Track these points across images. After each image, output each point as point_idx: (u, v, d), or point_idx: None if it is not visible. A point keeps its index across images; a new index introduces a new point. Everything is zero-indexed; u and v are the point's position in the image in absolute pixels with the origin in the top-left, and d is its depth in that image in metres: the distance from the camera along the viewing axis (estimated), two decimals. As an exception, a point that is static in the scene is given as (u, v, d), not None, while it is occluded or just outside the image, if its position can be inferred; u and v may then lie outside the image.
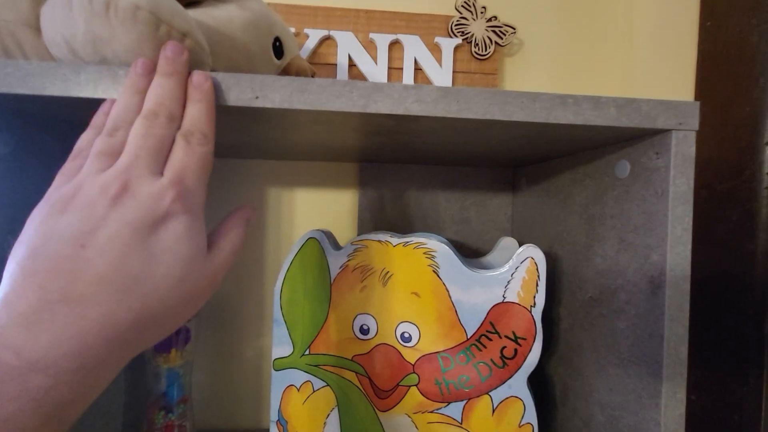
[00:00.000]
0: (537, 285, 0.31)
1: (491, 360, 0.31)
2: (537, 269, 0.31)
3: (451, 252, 0.33)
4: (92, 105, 0.22)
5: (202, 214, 0.21)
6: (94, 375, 0.17)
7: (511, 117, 0.24)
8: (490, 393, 0.31)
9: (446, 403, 0.33)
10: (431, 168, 0.50)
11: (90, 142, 0.20)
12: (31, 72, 0.22)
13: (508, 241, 0.43)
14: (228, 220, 0.23)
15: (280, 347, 0.38)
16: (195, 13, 0.25)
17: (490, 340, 0.32)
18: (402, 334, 0.34)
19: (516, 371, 0.31)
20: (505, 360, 0.31)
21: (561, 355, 0.36)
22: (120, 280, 0.17)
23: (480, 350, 0.32)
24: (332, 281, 0.36)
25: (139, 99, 0.20)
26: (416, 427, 0.34)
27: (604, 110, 0.25)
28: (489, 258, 0.42)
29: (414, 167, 0.50)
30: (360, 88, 0.23)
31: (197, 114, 0.20)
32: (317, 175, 0.49)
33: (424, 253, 0.34)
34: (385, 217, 0.50)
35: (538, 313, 0.31)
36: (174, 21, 0.21)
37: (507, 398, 0.31)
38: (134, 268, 0.17)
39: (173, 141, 0.20)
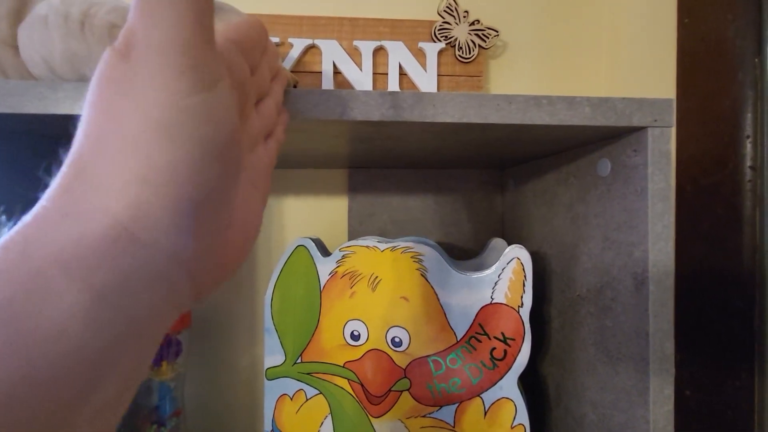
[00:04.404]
0: (524, 285, 0.31)
1: (481, 362, 0.31)
2: (523, 269, 0.31)
3: (438, 255, 0.34)
4: (71, 120, 0.22)
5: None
6: None
7: (487, 119, 0.25)
8: (481, 395, 0.31)
9: (438, 407, 0.33)
10: (420, 171, 0.50)
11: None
12: (10, 91, 0.22)
13: (498, 242, 0.43)
14: None
15: (272, 356, 0.38)
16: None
17: (480, 341, 0.32)
18: (392, 339, 0.34)
19: (506, 372, 0.31)
20: (495, 361, 0.31)
21: (553, 355, 0.36)
22: None
23: (470, 352, 0.32)
24: (322, 288, 0.37)
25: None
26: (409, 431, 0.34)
27: (579, 110, 0.26)
28: (480, 260, 0.43)
29: (403, 171, 0.50)
30: (336, 97, 0.24)
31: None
32: (307, 183, 0.49)
33: (412, 257, 0.34)
34: (375, 222, 0.50)
35: (525, 313, 0.31)
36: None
37: (498, 400, 0.31)
38: None
39: None
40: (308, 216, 0.49)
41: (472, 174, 0.51)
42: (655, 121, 0.26)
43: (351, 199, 0.49)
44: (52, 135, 0.29)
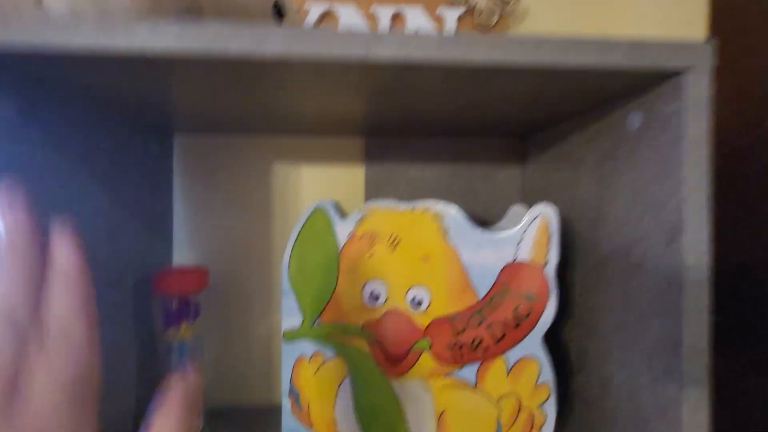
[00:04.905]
0: (549, 242, 0.30)
1: (504, 321, 0.31)
2: (549, 226, 0.30)
3: (459, 215, 0.33)
4: (94, 60, 0.22)
5: None
6: None
7: (516, 61, 0.24)
8: (504, 354, 0.31)
9: (460, 367, 0.32)
10: (438, 140, 0.50)
11: None
12: (33, 27, 0.22)
13: (517, 209, 0.42)
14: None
15: (290, 318, 0.38)
16: (194, -29, 0.25)
17: (503, 301, 0.31)
18: (413, 299, 0.34)
19: (530, 331, 0.30)
20: (519, 320, 0.30)
21: (576, 319, 0.35)
22: None
23: (492, 312, 0.31)
24: (340, 250, 0.36)
25: None
26: (430, 391, 0.33)
27: (612, 53, 0.24)
28: (498, 227, 0.42)
29: (420, 140, 0.49)
30: (360, 36, 0.23)
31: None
32: (323, 151, 0.49)
33: (432, 217, 0.33)
34: (392, 191, 0.49)
35: (551, 271, 0.30)
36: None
37: (522, 358, 0.30)
38: None
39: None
40: (324, 185, 0.49)
41: (491, 143, 0.50)
42: (692, 65, 0.25)
43: (368, 167, 0.49)
44: (67, 78, 0.29)
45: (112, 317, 0.38)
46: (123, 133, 0.40)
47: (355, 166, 0.49)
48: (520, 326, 0.31)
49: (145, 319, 0.42)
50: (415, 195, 0.50)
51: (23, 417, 0.15)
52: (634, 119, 0.30)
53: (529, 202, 0.48)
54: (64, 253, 0.16)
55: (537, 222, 0.30)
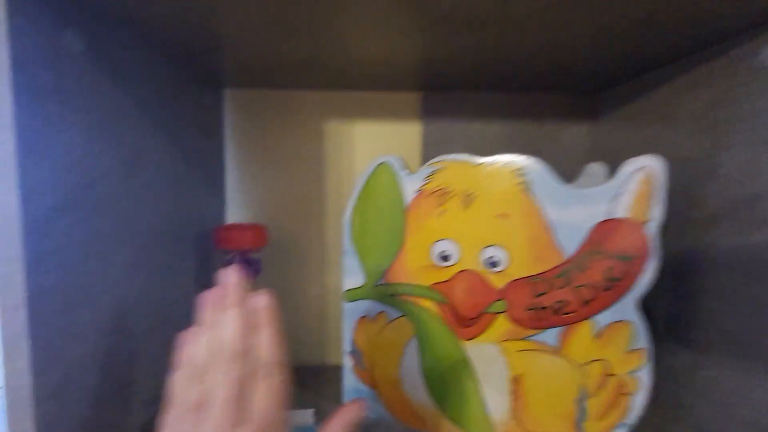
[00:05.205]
0: (653, 197, 0.27)
1: (594, 283, 0.28)
2: (654, 180, 0.27)
3: (544, 168, 0.30)
4: None
5: None
6: None
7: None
8: (593, 317, 0.29)
9: (540, 330, 0.30)
10: (500, 95, 0.46)
11: (181, 386, 0.23)
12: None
13: (595, 167, 0.38)
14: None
15: (352, 278, 0.37)
16: None
17: (594, 260, 0.28)
18: (488, 259, 0.32)
19: (625, 293, 0.28)
20: (612, 282, 0.28)
21: (667, 283, 0.33)
22: None
23: (581, 272, 0.29)
24: (407, 207, 0.34)
25: (212, 336, 0.22)
26: (505, 355, 0.32)
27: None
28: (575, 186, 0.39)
29: (481, 95, 0.46)
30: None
31: (266, 343, 0.23)
32: (378, 107, 0.46)
33: (513, 171, 0.31)
34: (451, 150, 0.46)
35: (653, 228, 0.27)
36: None
37: (614, 322, 0.28)
38: None
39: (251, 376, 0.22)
40: (378, 142, 0.47)
41: (558, 99, 0.46)
42: None
43: (425, 124, 0.46)
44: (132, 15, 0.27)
45: (176, 270, 0.37)
46: (179, 83, 0.38)
47: (412, 122, 0.46)
48: (612, 289, 0.28)
49: (206, 275, 0.41)
50: (474, 153, 0.47)
51: (253, 424, 0.21)
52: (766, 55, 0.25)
53: (600, 160, 0.44)
54: (261, 300, 0.24)
55: (640, 175, 0.27)
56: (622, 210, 0.28)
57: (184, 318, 0.38)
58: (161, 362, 0.36)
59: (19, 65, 0.19)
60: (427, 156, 0.46)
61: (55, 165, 0.23)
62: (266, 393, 0.22)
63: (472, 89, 0.45)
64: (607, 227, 0.28)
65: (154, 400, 0.35)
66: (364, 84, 0.43)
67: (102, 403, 0.28)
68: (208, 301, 0.23)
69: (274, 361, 0.22)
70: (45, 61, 0.22)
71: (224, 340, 0.22)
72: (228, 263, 0.38)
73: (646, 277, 0.27)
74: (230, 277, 0.23)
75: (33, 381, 0.22)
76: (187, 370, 0.23)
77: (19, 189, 0.20)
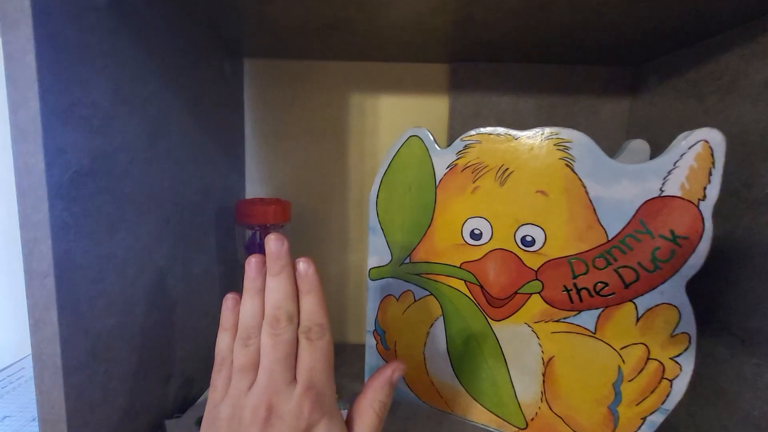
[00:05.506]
0: (710, 174, 0.25)
1: (639, 263, 0.27)
2: (712, 155, 0.25)
3: (590, 142, 0.28)
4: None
5: (336, 408, 0.23)
6: None
7: None
8: (634, 300, 0.27)
9: (576, 312, 0.29)
10: (533, 67, 0.43)
11: (229, 348, 0.24)
12: None
13: (637, 144, 0.36)
14: (366, 394, 0.25)
15: (377, 256, 0.36)
16: None
17: (639, 241, 0.27)
18: (523, 238, 0.30)
19: (671, 276, 0.26)
20: (658, 263, 0.26)
21: (708, 266, 0.31)
22: None
23: (625, 253, 0.27)
24: (438, 183, 0.33)
25: (259, 301, 0.23)
26: (537, 336, 0.31)
27: None
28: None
29: (513, 66, 0.43)
30: None
31: (310, 307, 0.23)
32: (403, 78, 0.44)
33: (556, 145, 0.29)
34: (480, 124, 0.44)
35: (708, 208, 0.25)
36: None
37: (657, 306, 0.27)
38: None
39: (297, 338, 0.23)
40: (404, 115, 0.45)
41: (596, 71, 0.43)
42: None
43: (453, 97, 0.44)
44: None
45: (199, 243, 0.37)
46: (200, 50, 0.36)
47: (439, 95, 0.44)
48: (658, 270, 0.27)
49: (227, 249, 0.41)
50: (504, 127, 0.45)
51: (302, 384, 0.22)
52: None
53: (641, 137, 0.42)
54: (304, 266, 0.24)
55: (696, 149, 0.25)
56: (673, 187, 0.26)
57: (208, 292, 0.38)
58: (189, 335, 0.35)
59: (40, 13, 0.18)
60: (453, 130, 0.44)
61: (81, 127, 0.22)
62: (312, 354, 0.22)
63: (503, 60, 0.42)
64: (657, 205, 0.26)
65: (182, 373, 0.35)
66: (391, 54, 0.41)
67: (131, 375, 0.28)
68: (254, 266, 0.24)
69: (318, 324, 0.23)
70: (68, 12, 0.20)
71: (272, 305, 0.23)
72: (251, 238, 0.37)
73: (697, 260, 0.26)
74: (275, 243, 0.24)
75: (61, 351, 0.22)
76: (234, 332, 0.24)
77: (44, 150, 0.19)
